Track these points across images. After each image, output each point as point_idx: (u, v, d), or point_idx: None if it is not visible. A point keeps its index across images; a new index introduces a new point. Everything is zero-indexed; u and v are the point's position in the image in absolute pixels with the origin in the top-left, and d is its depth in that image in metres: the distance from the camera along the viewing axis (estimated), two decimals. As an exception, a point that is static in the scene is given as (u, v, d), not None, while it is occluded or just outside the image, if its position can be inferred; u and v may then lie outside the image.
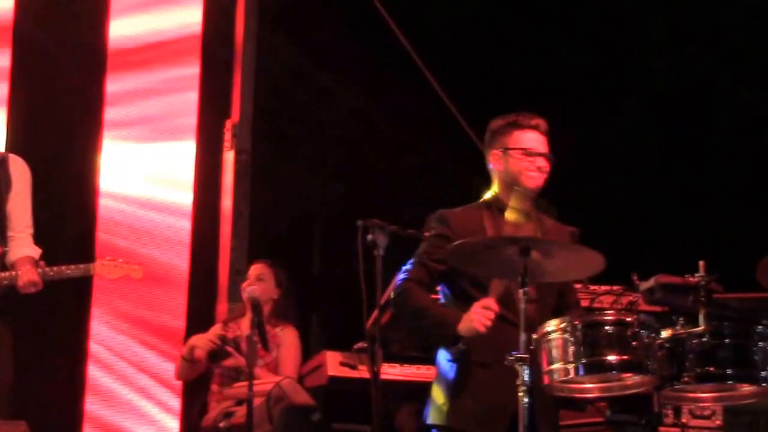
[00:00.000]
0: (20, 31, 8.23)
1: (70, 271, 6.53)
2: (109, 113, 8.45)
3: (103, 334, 8.30)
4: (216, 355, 7.19)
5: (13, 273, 6.32)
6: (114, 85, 8.47)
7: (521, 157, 5.37)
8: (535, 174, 5.36)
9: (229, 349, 7.16)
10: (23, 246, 6.42)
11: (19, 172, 6.49)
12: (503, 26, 9.22)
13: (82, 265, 6.55)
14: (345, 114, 9.06)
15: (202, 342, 7.24)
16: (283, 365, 7.23)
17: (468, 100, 8.40)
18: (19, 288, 6.31)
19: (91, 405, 8.22)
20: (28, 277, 6.28)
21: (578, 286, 6.25)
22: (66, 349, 8.23)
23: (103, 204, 8.36)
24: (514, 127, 5.43)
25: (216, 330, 7.38)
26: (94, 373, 8.26)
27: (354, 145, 9.03)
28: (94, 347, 8.26)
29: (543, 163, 5.36)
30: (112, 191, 8.41)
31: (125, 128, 8.50)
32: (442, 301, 5.47)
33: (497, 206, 5.43)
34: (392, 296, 5.45)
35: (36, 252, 6.44)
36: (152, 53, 8.57)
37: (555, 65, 9.20)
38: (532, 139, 5.39)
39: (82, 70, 8.39)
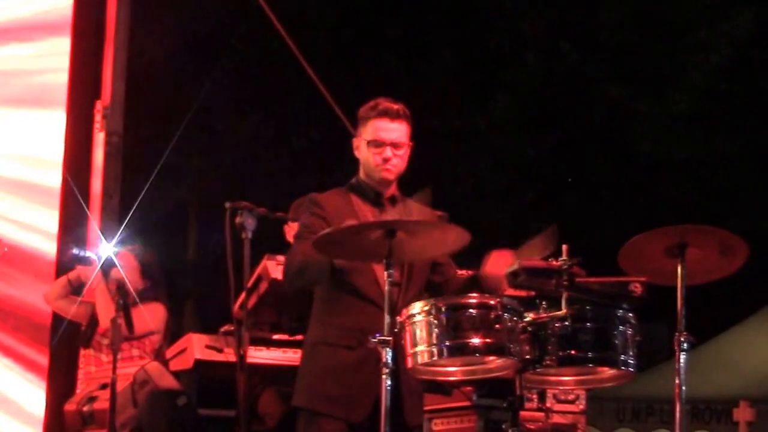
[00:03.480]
0: None
1: None
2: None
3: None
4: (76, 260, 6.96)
5: None
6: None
7: (370, 148, 5.27)
8: (380, 166, 5.25)
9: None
10: None
11: None
12: (379, 19, 9.14)
13: None
14: (223, 100, 8.87)
15: None
16: (149, 341, 7.00)
17: (344, 92, 8.28)
18: None
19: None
20: None
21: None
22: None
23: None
24: (368, 116, 5.31)
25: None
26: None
27: (230, 130, 8.85)
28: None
29: (389, 153, 5.24)
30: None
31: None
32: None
33: (361, 190, 5.31)
34: (285, 276, 5.26)
35: None
36: (22, 29, 8.29)
37: (429, 58, 9.13)
38: (381, 127, 5.26)
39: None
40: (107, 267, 6.84)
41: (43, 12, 8.31)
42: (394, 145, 5.24)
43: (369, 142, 5.25)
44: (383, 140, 5.24)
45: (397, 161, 5.25)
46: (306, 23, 8.64)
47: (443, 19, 9.30)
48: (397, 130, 5.26)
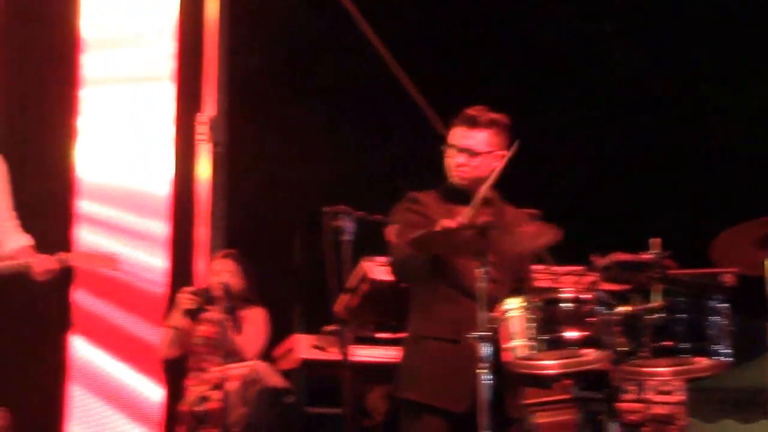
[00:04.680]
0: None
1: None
2: (85, 105, 8.30)
3: (85, 322, 8.17)
4: (196, 311, 7.05)
5: (25, 261, 6.04)
6: (89, 77, 8.32)
7: (448, 151, 5.30)
8: (452, 170, 5.28)
9: (208, 307, 7.02)
10: (18, 236, 6.18)
11: None
12: (467, 23, 9.11)
13: (63, 256, 6.33)
14: (324, 107, 8.91)
15: (182, 301, 7.11)
16: (244, 345, 7.08)
17: (438, 98, 8.28)
18: (35, 276, 6.05)
19: (75, 391, 8.09)
20: (47, 265, 6.05)
21: (541, 267, 6.17)
22: (48, 338, 8.08)
23: (79, 199, 8.21)
24: (454, 122, 5.35)
25: (188, 289, 7.24)
26: (77, 359, 8.12)
27: (331, 138, 8.89)
28: (76, 336, 8.13)
29: (461, 159, 5.25)
30: (89, 187, 8.26)
31: (102, 122, 8.36)
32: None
33: (456, 191, 5.31)
34: (392, 271, 5.38)
35: (30, 241, 6.22)
36: (128, 45, 8.44)
37: (517, 59, 9.08)
38: (458, 134, 5.29)
39: (57, 66, 8.24)
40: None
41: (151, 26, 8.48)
42: (469, 152, 5.24)
43: (448, 146, 5.28)
44: (457, 146, 5.25)
45: (469, 168, 5.24)
46: (398, 31, 8.65)
47: (528, 21, 9.26)
48: (473, 138, 5.25)
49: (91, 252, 6.54)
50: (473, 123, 5.26)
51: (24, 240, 6.20)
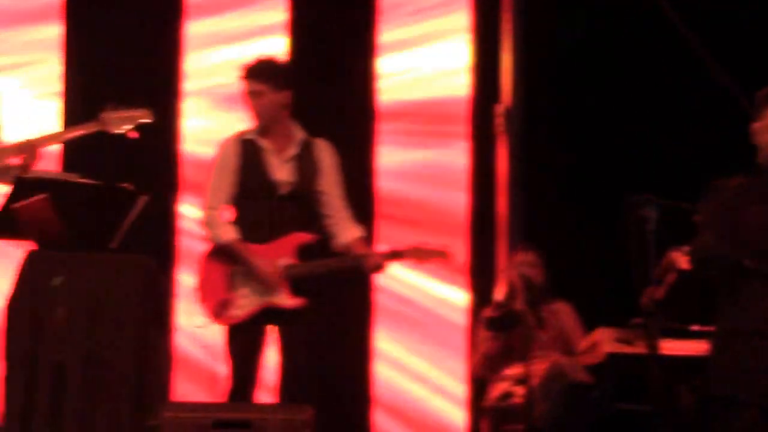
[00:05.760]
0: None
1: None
2: (382, 101, 8.47)
3: (387, 327, 8.33)
4: (500, 323, 6.99)
5: (360, 255, 5.93)
6: (384, 71, 8.48)
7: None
8: None
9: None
10: (352, 227, 6.03)
11: (326, 155, 6.08)
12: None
13: (395, 250, 6.18)
14: (623, 92, 8.70)
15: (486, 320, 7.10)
16: (570, 339, 7.01)
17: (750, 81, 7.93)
18: (366, 271, 5.97)
19: (378, 390, 8.26)
20: (379, 260, 5.95)
21: None
22: (352, 330, 8.26)
23: (378, 196, 8.37)
24: (766, 101, 5.00)
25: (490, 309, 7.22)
26: (379, 351, 8.29)
27: (633, 123, 8.69)
28: (378, 338, 8.30)
29: None
30: (386, 183, 8.41)
31: (398, 116, 8.49)
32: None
33: (764, 174, 5.02)
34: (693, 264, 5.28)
35: (362, 232, 6.08)
36: (420, 40, 8.55)
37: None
38: None
39: (354, 60, 8.43)
40: None
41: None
42: None
43: None
44: None
45: None
46: (695, 11, 8.34)
47: None
48: None
49: (424, 245, 6.28)
50: None
51: (357, 231, 6.04)
